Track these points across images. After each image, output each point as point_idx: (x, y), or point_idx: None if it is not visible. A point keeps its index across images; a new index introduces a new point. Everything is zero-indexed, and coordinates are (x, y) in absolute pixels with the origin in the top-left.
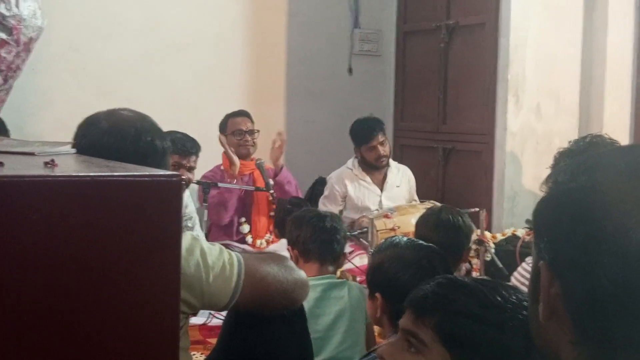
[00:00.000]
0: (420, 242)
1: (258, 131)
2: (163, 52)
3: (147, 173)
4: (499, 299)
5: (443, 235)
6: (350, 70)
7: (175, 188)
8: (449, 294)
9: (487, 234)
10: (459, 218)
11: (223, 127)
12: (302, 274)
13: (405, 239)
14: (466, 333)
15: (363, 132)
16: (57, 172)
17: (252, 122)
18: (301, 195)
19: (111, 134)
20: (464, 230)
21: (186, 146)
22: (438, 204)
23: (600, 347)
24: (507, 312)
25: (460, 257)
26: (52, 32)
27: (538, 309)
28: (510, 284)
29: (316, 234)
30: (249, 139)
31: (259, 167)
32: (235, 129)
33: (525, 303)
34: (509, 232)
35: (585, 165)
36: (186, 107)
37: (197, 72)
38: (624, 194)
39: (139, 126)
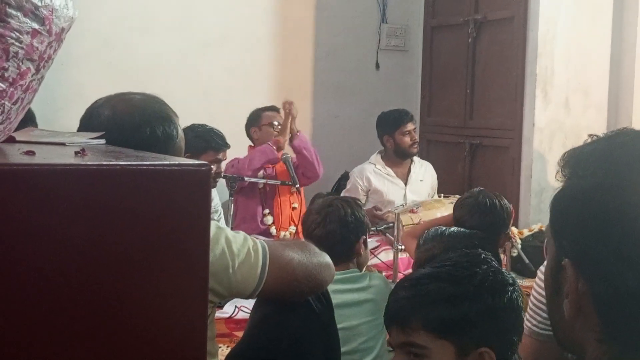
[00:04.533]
0: (464, 230)
1: None
2: (195, 47)
3: (177, 162)
4: (463, 270)
5: (479, 218)
6: (377, 66)
7: (205, 177)
8: (418, 291)
9: (514, 229)
10: (497, 201)
11: (255, 120)
12: (326, 257)
13: (449, 228)
14: (453, 316)
15: (397, 117)
16: (87, 161)
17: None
18: (321, 164)
19: (110, 129)
20: (501, 213)
21: (220, 142)
22: None
23: (627, 345)
24: (477, 278)
25: (496, 241)
26: (85, 27)
27: (560, 303)
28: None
29: (341, 233)
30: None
31: (286, 161)
32: (270, 121)
33: (485, 258)
34: (535, 227)
35: (608, 159)
36: (218, 102)
37: (228, 68)
38: None
39: (137, 119)
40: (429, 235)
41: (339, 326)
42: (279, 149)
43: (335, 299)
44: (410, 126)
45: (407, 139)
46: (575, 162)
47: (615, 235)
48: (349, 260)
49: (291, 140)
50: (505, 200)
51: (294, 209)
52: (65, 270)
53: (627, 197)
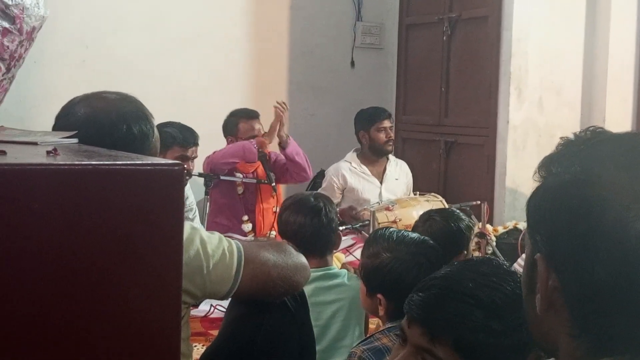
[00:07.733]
0: (412, 236)
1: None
2: (169, 46)
3: (149, 162)
4: (506, 298)
5: (442, 242)
6: (352, 64)
7: (178, 177)
8: (461, 311)
9: (489, 226)
10: (456, 224)
11: (231, 129)
12: (301, 258)
13: (395, 234)
14: (487, 346)
15: (373, 113)
16: (59, 160)
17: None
18: (310, 168)
19: (87, 127)
20: (463, 235)
21: (187, 138)
22: (439, 197)
23: (599, 340)
24: (520, 312)
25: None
26: (58, 26)
27: (534, 300)
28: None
29: (315, 230)
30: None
31: (261, 158)
32: (249, 135)
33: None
34: (510, 225)
35: (580, 156)
36: (192, 101)
37: (202, 67)
38: (621, 187)
39: (113, 117)
40: (373, 242)
41: (314, 323)
42: (262, 149)
43: (314, 295)
44: (386, 123)
45: (382, 136)
46: (549, 162)
47: (584, 229)
48: (328, 255)
49: (282, 146)
50: (465, 217)
51: (274, 213)
52: (36, 271)
53: (597, 191)
